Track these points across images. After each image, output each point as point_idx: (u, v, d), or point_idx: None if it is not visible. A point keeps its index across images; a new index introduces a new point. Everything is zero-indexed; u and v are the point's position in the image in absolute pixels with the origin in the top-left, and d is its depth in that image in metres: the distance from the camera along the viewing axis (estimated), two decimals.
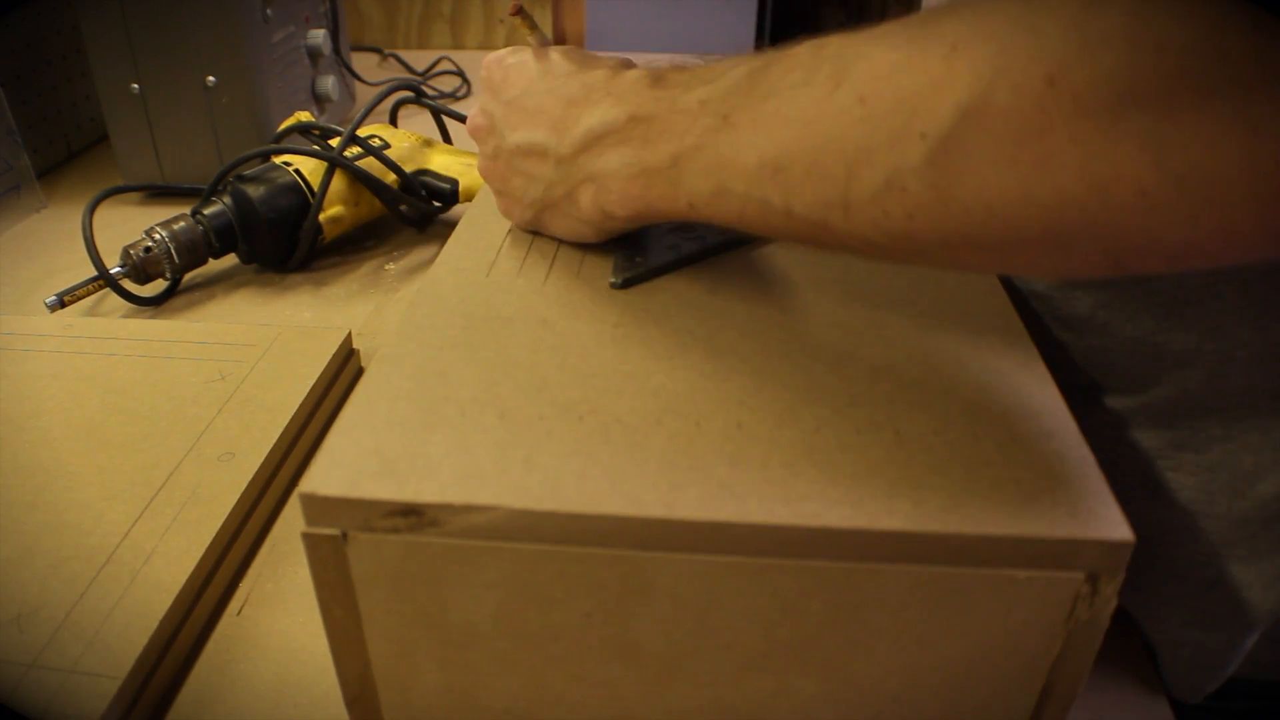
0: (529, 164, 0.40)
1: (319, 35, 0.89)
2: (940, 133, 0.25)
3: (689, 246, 0.41)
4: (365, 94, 1.06)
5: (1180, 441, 0.39)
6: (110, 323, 0.61)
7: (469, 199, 0.74)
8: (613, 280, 0.39)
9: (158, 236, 0.65)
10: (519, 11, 0.45)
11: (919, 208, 0.26)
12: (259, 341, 0.56)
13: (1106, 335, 0.40)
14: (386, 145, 0.73)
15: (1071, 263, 0.26)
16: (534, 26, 0.45)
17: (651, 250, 0.41)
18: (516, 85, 0.41)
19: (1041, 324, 0.43)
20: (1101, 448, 0.41)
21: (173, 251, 0.65)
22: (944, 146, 0.25)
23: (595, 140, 0.36)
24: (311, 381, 0.52)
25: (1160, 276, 0.37)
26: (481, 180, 0.73)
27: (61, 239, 0.76)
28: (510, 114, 0.41)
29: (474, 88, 1.14)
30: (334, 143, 0.71)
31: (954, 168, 0.25)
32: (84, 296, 0.64)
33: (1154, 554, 0.40)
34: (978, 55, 0.24)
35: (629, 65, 0.39)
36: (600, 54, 0.42)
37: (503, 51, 0.44)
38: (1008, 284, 0.44)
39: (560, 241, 0.43)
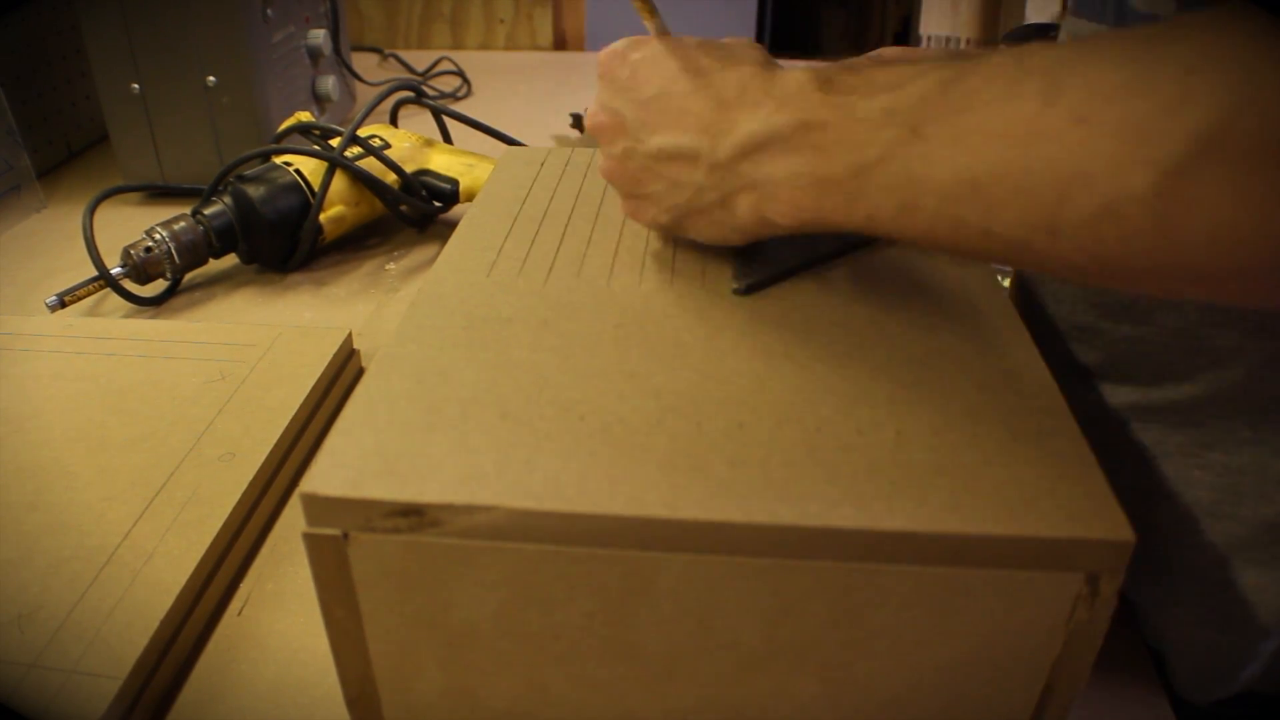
0: (673, 169, 0.37)
1: (319, 35, 0.89)
2: (1172, 160, 0.24)
3: (806, 251, 0.40)
4: (365, 94, 1.06)
5: (1209, 441, 0.39)
6: (110, 323, 0.61)
7: (469, 199, 0.74)
8: (735, 286, 0.39)
9: (158, 236, 0.65)
10: None
11: (1137, 235, 0.25)
12: (259, 341, 0.56)
13: (1148, 324, 0.39)
14: (387, 145, 0.73)
15: None
16: (654, 11, 0.40)
17: (770, 255, 0.40)
18: (651, 82, 0.38)
19: (1073, 308, 0.42)
20: (1124, 440, 0.41)
21: (173, 251, 0.65)
22: (1174, 175, 0.24)
23: (757, 147, 0.34)
24: (312, 381, 0.52)
25: None
26: (481, 180, 0.74)
27: (62, 239, 0.76)
28: (649, 114, 0.37)
29: (474, 87, 1.14)
30: (334, 143, 0.71)
31: (1184, 198, 0.24)
32: (84, 296, 0.64)
33: (1171, 551, 0.40)
34: (1218, 80, 0.23)
35: (772, 62, 0.37)
36: (737, 44, 0.38)
37: (620, 44, 0.40)
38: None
39: (561, 242, 0.43)
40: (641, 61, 0.38)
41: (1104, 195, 0.25)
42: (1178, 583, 0.40)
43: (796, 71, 0.34)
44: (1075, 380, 0.42)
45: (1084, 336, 0.42)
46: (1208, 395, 0.38)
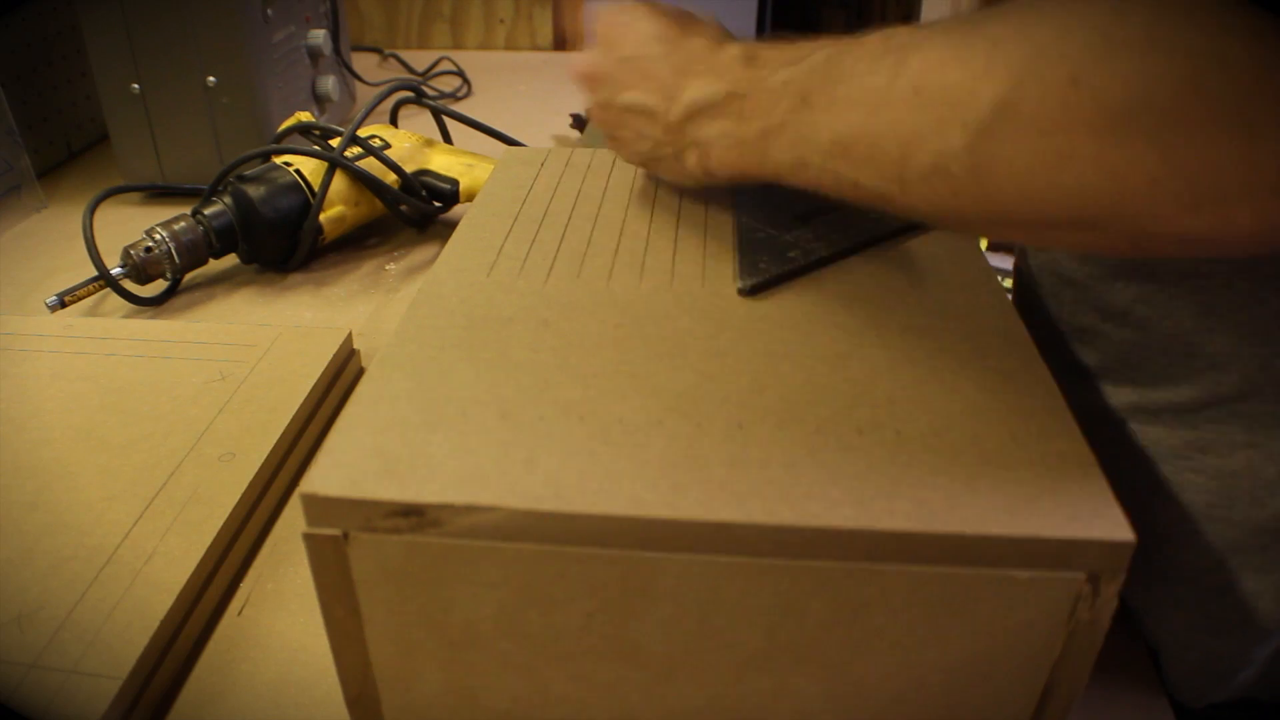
0: (638, 122, 0.43)
1: (319, 35, 0.89)
2: (979, 123, 0.28)
3: (813, 252, 0.42)
4: (365, 94, 1.06)
5: (1204, 444, 0.39)
6: (110, 323, 0.61)
7: (469, 199, 0.74)
8: (740, 286, 0.39)
9: (158, 236, 0.65)
10: None
11: (961, 189, 0.29)
12: (259, 341, 0.56)
13: (1144, 330, 0.40)
14: (387, 145, 0.73)
15: (1097, 242, 0.29)
16: None
17: (775, 255, 0.41)
18: (628, 44, 0.43)
19: (1074, 310, 0.43)
20: (1122, 441, 0.41)
21: (173, 251, 0.65)
22: (982, 136, 0.28)
23: (698, 111, 0.40)
24: (312, 382, 0.52)
25: (1206, 275, 0.37)
26: (481, 180, 0.74)
27: (62, 239, 0.76)
28: (623, 72, 0.43)
29: (474, 87, 1.14)
30: (334, 143, 0.71)
31: (990, 155, 0.28)
32: (84, 297, 0.64)
33: (1166, 554, 0.40)
34: (1014, 54, 0.27)
35: (725, 35, 0.43)
36: (700, 17, 0.45)
37: (613, 6, 0.46)
38: (1042, 272, 0.44)
39: (561, 243, 0.43)
40: (622, 24, 0.45)
41: (932, 153, 0.29)
42: (1172, 585, 0.40)
43: (734, 46, 0.40)
44: (1075, 380, 0.43)
45: (1084, 337, 0.42)
46: (1203, 399, 0.38)
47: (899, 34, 0.32)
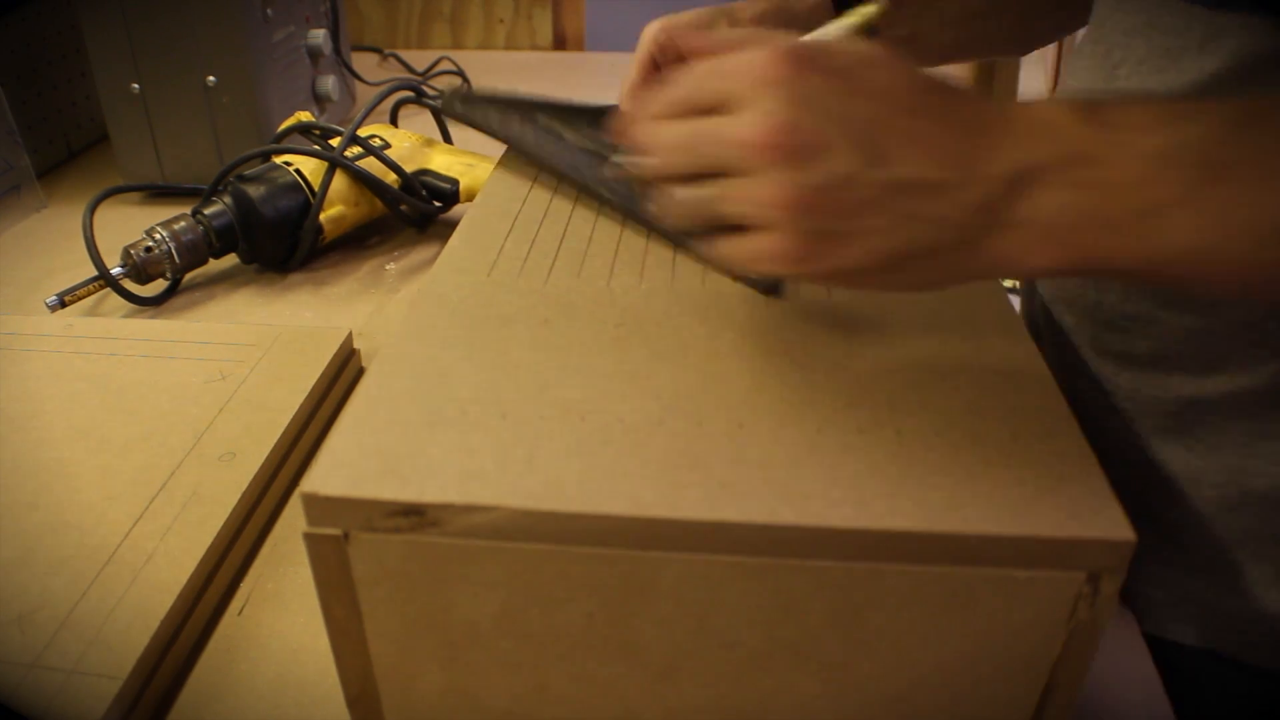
0: (913, 203, 0.31)
1: (319, 35, 0.89)
2: None
3: None
4: (365, 94, 1.06)
5: (1269, 432, 0.38)
6: (111, 323, 0.61)
7: (469, 199, 0.74)
8: (761, 284, 0.38)
9: (158, 236, 0.65)
10: None
11: None
12: (260, 341, 0.56)
13: (1213, 315, 0.38)
14: (387, 145, 0.73)
15: None
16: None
17: None
18: (887, 96, 0.31)
19: (1125, 296, 0.42)
20: (1172, 430, 0.40)
21: (173, 251, 0.65)
22: None
23: (1024, 181, 0.30)
24: (312, 381, 0.52)
25: None
26: (481, 180, 0.74)
27: (62, 239, 0.76)
28: (885, 137, 0.31)
29: (474, 87, 1.14)
30: (334, 143, 0.71)
31: None
32: (84, 296, 0.64)
33: (1216, 541, 0.40)
34: None
35: (983, 95, 0.33)
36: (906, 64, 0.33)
37: (800, 42, 0.32)
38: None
39: (561, 242, 0.43)
40: (861, 67, 0.31)
41: None
42: (1223, 568, 0.40)
43: (1050, 101, 0.32)
44: (1119, 368, 0.42)
45: (1134, 326, 0.41)
46: (1267, 387, 0.38)
47: None
